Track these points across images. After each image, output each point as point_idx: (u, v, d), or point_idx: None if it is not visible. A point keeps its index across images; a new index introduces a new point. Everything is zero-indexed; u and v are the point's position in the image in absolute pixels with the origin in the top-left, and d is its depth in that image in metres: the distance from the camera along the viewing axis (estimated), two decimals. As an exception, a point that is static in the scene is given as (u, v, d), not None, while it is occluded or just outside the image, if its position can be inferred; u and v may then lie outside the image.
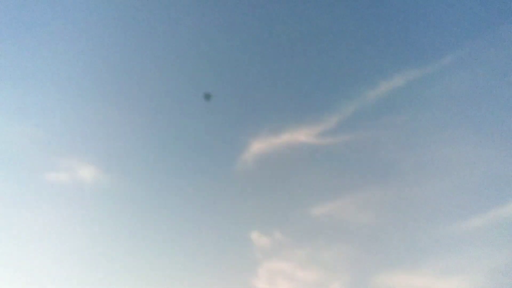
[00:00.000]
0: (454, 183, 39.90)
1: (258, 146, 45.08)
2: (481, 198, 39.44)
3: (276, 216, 42.41)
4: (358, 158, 43.18)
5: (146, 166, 41.96)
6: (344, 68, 43.48)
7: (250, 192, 43.18)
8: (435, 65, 40.03)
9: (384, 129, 41.97)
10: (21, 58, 40.89)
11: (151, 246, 39.64)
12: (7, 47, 40.51)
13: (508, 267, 39.82)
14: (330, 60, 43.95)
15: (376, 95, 42.41)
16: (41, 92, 40.97)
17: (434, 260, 38.52)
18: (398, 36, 42.50)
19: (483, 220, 40.00)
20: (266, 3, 43.75)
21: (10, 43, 40.64)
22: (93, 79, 42.14)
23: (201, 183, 41.02)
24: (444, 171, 40.44)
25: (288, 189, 43.08)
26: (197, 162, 41.25)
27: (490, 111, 39.52)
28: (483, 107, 39.76)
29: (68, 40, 41.86)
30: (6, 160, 39.81)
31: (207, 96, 29.36)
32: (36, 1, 40.70)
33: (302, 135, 44.37)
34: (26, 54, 41.00)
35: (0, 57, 40.06)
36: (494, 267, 40.73)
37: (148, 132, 42.69)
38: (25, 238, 38.11)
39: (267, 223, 41.84)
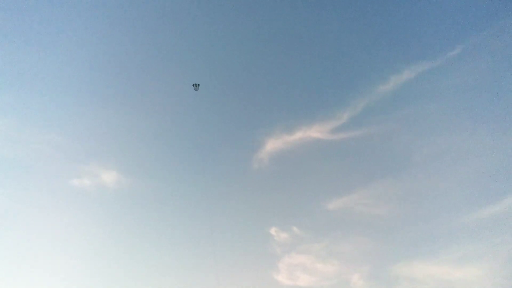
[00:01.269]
0: (469, 172, 40.33)
1: (273, 144, 46.02)
2: (496, 186, 39.79)
3: (293, 212, 43.28)
4: (371, 152, 43.82)
5: (165, 168, 43.11)
6: (353, 65, 44.19)
7: (266, 189, 44.12)
8: (444, 57, 40.53)
9: (395, 123, 42.60)
10: (44, 72, 42.40)
11: (173, 244, 40.78)
12: (30, 61, 42.10)
13: (526, 253, 39.94)
14: (340, 57, 44.70)
15: (386, 89, 43.09)
16: (64, 102, 42.44)
17: (452, 249, 38.98)
18: (406, 30, 43.07)
19: (499, 208, 40.31)
20: (278, 4, 44.66)
21: (33, 57, 42.21)
22: (112, 89, 43.47)
23: (218, 182, 41.99)
24: (458, 161, 40.89)
25: (304, 185, 43.91)
26: (214, 162, 42.27)
27: (500, 101, 39.85)
28: (494, 98, 40.14)
29: (87, 52, 43.22)
30: (33, 168, 41.38)
31: (196, 86, 30.93)
32: (66, 16, 42.25)
33: (315, 132, 45.22)
34: (49, 68, 42.49)
35: (26, 71, 41.68)
36: (510, 255, 40.93)
37: (166, 135, 43.88)
38: (52, 240, 39.58)
39: (285, 218, 42.71)
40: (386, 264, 40.06)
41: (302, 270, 42.19)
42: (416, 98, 42.40)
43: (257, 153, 43.46)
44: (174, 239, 40.62)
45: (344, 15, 44.54)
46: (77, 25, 42.49)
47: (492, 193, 38.96)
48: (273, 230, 42.97)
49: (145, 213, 40.89)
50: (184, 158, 43.45)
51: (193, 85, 30.87)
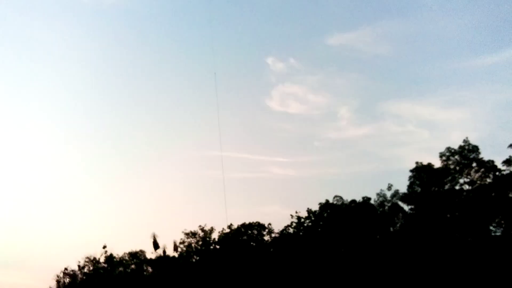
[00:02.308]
0: (473, 20, 39.01)
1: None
2: (498, 36, 38.97)
3: (292, 44, 42.84)
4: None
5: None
6: None
7: (267, 17, 42.64)
8: None
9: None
10: None
11: (173, 63, 40.77)
12: None
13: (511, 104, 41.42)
14: None
15: None
16: None
17: (440, 92, 40.00)
18: None
19: (496, 58, 40.10)
20: None
21: None
22: None
23: (219, 10, 40.20)
24: (468, 5, 39.23)
25: (306, 17, 42.57)
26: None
27: None
28: None
29: None
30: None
31: None
32: None
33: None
34: None
35: None
36: (497, 103, 42.44)
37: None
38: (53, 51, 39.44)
39: (283, 49, 42.50)
40: (375, 101, 41.48)
41: (294, 99, 43.77)
42: None
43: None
44: (173, 51, 40.40)
45: None
46: None
47: (494, 42, 38.38)
48: (270, 60, 42.99)
49: (146, 32, 39.91)
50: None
51: None
